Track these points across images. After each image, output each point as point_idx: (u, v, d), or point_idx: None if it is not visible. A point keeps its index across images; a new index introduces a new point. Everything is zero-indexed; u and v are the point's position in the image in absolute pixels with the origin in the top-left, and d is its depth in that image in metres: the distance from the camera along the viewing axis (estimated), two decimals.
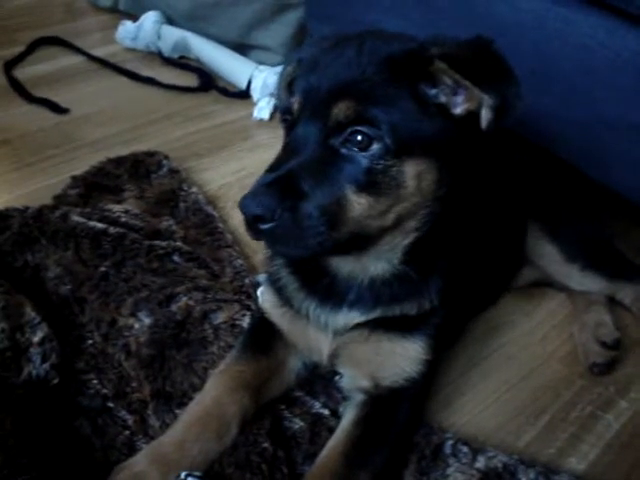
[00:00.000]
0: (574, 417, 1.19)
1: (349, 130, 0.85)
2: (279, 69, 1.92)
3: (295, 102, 0.89)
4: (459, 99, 0.87)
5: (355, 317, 1.03)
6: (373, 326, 1.03)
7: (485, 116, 0.84)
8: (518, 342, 1.32)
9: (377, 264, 0.99)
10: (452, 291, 1.04)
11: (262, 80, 1.92)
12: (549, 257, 1.33)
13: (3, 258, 1.29)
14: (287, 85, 1.00)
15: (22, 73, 2.02)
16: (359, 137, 0.85)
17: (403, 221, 0.93)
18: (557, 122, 1.24)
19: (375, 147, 0.85)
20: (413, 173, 0.87)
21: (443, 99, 0.88)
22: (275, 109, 1.93)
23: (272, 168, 0.86)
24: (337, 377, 1.16)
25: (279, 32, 1.98)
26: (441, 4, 1.37)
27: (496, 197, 1.23)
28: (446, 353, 1.22)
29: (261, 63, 2.02)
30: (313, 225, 0.84)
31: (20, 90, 1.93)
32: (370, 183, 0.86)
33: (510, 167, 1.31)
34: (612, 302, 1.38)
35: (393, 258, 0.98)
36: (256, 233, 0.85)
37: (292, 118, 0.90)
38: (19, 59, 2.08)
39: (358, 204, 0.86)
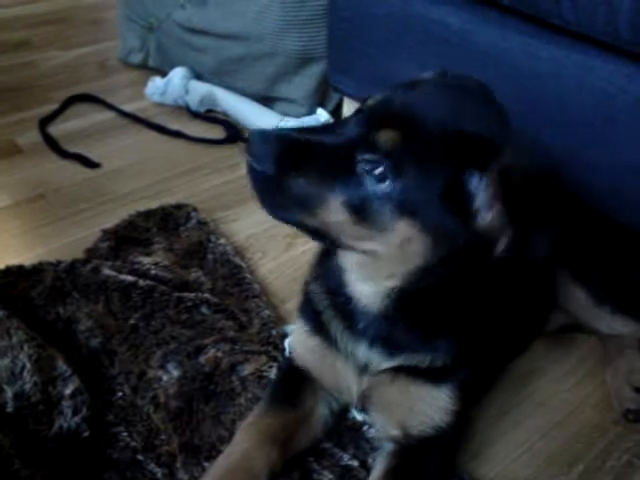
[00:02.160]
0: (610, 466, 1.16)
1: (377, 156, 0.83)
2: (304, 120, 1.98)
3: (370, 103, 0.90)
4: (492, 213, 0.83)
5: (375, 359, 1.03)
6: (398, 371, 1.02)
7: (500, 247, 0.82)
8: (549, 389, 1.30)
9: (375, 289, 0.97)
10: (478, 343, 1.03)
11: None
12: (579, 301, 1.31)
13: (36, 312, 1.32)
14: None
15: (56, 130, 2.09)
16: (380, 168, 0.83)
17: (381, 260, 0.90)
18: (579, 167, 1.25)
19: (387, 185, 0.83)
20: (403, 234, 0.85)
21: (478, 203, 0.83)
22: None
23: (299, 130, 0.88)
24: (366, 427, 1.15)
25: (303, 84, 2.02)
26: (458, 54, 1.39)
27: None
28: (478, 403, 1.21)
29: (286, 114, 2.06)
30: (289, 198, 0.85)
31: (54, 146, 1.99)
32: (359, 207, 0.84)
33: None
34: None
35: (391, 292, 0.95)
36: (249, 170, 0.86)
37: (344, 118, 0.92)
38: (53, 116, 2.15)
39: (335, 213, 0.85)
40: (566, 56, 1.22)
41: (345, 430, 1.16)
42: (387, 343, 1.02)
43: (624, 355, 1.32)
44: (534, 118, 1.30)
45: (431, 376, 1.02)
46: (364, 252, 0.90)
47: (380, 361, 1.03)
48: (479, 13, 1.35)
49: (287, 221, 0.90)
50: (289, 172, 0.84)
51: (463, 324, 1.02)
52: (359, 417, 1.17)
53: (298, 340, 1.14)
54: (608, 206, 1.28)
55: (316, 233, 0.90)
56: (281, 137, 0.85)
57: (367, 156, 0.84)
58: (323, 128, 0.92)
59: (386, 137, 0.83)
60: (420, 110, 0.85)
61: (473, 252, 0.86)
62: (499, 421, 1.23)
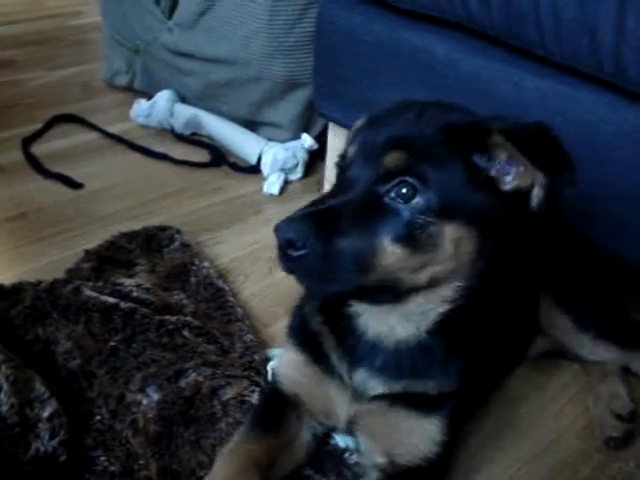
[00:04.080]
0: None
1: (397, 180, 0.85)
2: (289, 145, 1.99)
3: (351, 149, 0.92)
4: (511, 175, 0.88)
5: (376, 386, 1.02)
6: (392, 400, 1.01)
7: (537, 195, 0.85)
8: (532, 416, 1.30)
9: (405, 327, 0.97)
10: (473, 371, 1.03)
11: (272, 155, 1.97)
12: (562, 327, 1.32)
13: (14, 332, 1.29)
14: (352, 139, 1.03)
15: (39, 149, 2.08)
16: (404, 189, 0.85)
17: (437, 285, 0.91)
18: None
19: (418, 200, 0.85)
20: (452, 237, 0.86)
21: (494, 172, 0.88)
22: (285, 184, 1.98)
23: (315, 202, 0.87)
24: (347, 453, 1.14)
25: (288, 110, 2.03)
26: (444, 82, 1.41)
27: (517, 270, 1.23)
28: (462, 431, 1.20)
29: (271, 139, 2.06)
30: (342, 264, 0.84)
31: (36, 166, 1.98)
32: (407, 235, 0.85)
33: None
34: (627, 373, 1.36)
35: (422, 325, 0.96)
36: (286, 261, 0.85)
37: (344, 163, 0.93)
38: (36, 136, 2.14)
39: (391, 254, 0.85)
40: (550, 86, 1.24)
41: (327, 456, 1.14)
42: (390, 369, 1.01)
43: (606, 382, 1.33)
44: None
45: (424, 404, 1.01)
46: (426, 285, 0.91)
47: (378, 387, 1.02)
48: (465, 42, 1.38)
49: (346, 292, 0.91)
50: (331, 241, 0.83)
51: (474, 340, 1.02)
52: (341, 443, 1.16)
53: (287, 363, 1.13)
54: (590, 233, 1.29)
55: (379, 288, 0.89)
56: (305, 215, 0.85)
57: (387, 186, 0.86)
58: (334, 188, 0.92)
59: (393, 160, 0.86)
60: (408, 123, 0.90)
61: (515, 221, 0.91)
62: (483, 449, 1.22)
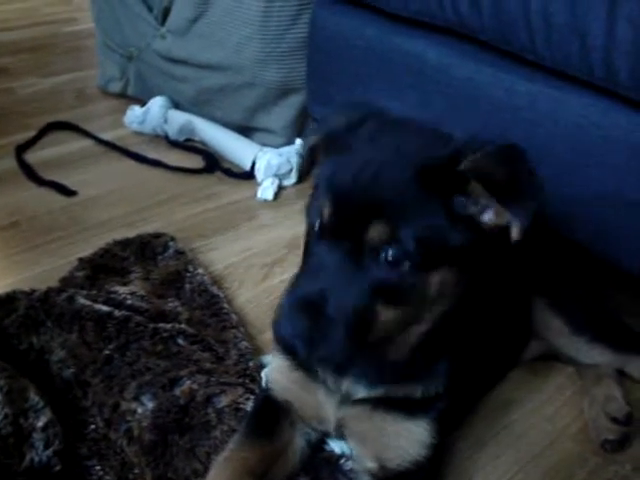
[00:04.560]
0: None
1: (381, 250, 0.85)
2: (282, 150, 1.99)
3: (325, 207, 0.88)
4: (488, 214, 0.88)
5: (359, 391, 1.02)
6: (376, 403, 1.02)
7: (515, 233, 0.84)
8: (527, 420, 1.29)
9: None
10: (459, 374, 1.03)
11: (266, 161, 1.96)
12: (555, 330, 1.32)
13: (8, 341, 1.29)
14: (310, 157, 1.02)
15: (32, 157, 2.07)
16: (390, 256, 0.84)
17: (421, 318, 0.94)
18: (554, 199, 1.26)
19: (405, 264, 0.85)
20: (437, 282, 0.88)
21: (474, 211, 0.88)
22: (279, 189, 1.98)
23: (300, 284, 0.88)
24: (343, 460, 1.14)
25: (282, 115, 2.04)
26: (436, 87, 1.41)
27: (504, 274, 1.23)
28: (454, 434, 1.20)
29: (265, 145, 2.06)
30: (342, 338, 0.84)
31: (30, 173, 1.97)
32: (398, 297, 0.87)
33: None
34: (622, 375, 1.36)
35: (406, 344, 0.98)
36: (300, 351, 0.87)
37: (321, 224, 0.89)
38: (30, 143, 2.14)
39: (385, 316, 0.88)
40: (541, 91, 1.25)
41: (322, 463, 1.14)
42: (373, 374, 1.01)
43: (601, 384, 1.32)
44: None
45: (409, 408, 1.02)
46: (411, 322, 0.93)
47: (362, 391, 1.02)
48: (456, 47, 1.38)
49: (354, 356, 0.91)
50: (330, 326, 0.84)
51: (457, 346, 1.03)
52: (337, 449, 1.16)
53: (276, 369, 1.13)
54: (580, 237, 1.30)
55: (374, 344, 0.91)
56: (296, 308, 0.85)
57: (371, 256, 0.86)
58: (313, 262, 0.90)
59: (377, 234, 0.84)
60: (381, 169, 0.86)
61: (496, 250, 0.91)
62: (477, 454, 1.22)
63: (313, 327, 0.84)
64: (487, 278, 1.00)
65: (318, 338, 0.84)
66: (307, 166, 1.02)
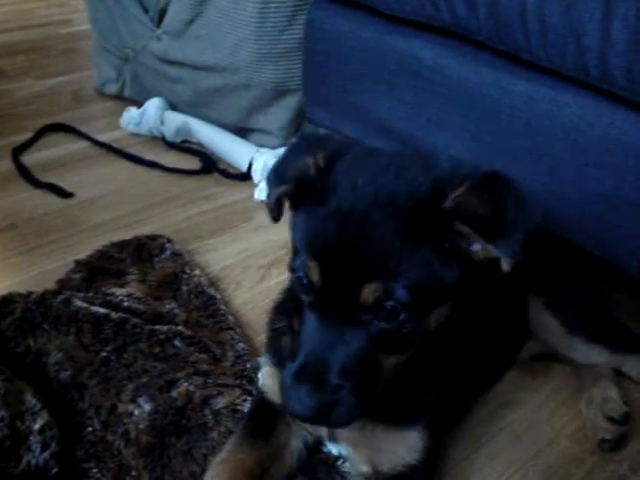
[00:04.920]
0: None
1: (377, 309, 0.84)
2: (279, 151, 1.99)
3: (313, 272, 0.85)
4: (477, 247, 0.86)
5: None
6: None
7: (505, 266, 0.83)
8: (524, 420, 1.29)
9: None
10: (453, 381, 1.03)
11: (263, 162, 1.96)
12: (552, 330, 1.32)
13: (5, 344, 1.29)
14: (278, 206, 0.95)
15: (29, 159, 2.07)
16: (386, 313, 0.84)
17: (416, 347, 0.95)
18: (551, 199, 1.27)
19: (402, 316, 0.84)
20: (435, 320, 0.90)
21: (463, 245, 0.86)
22: None
23: (299, 354, 0.87)
24: (340, 461, 1.14)
25: (278, 116, 2.04)
26: (432, 87, 1.41)
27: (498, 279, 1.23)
28: (449, 435, 1.20)
29: (261, 146, 2.06)
30: (352, 401, 0.85)
31: (26, 175, 1.97)
32: (398, 344, 0.88)
33: None
34: (619, 375, 1.36)
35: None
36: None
37: (313, 287, 0.86)
38: (27, 145, 2.14)
39: (388, 365, 0.89)
40: (537, 90, 1.25)
41: (319, 464, 1.14)
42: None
43: (598, 384, 1.32)
44: (505, 150, 1.32)
45: (401, 414, 1.02)
46: None
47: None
48: (452, 48, 1.38)
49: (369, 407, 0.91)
50: (337, 394, 0.85)
51: (450, 351, 1.03)
52: (334, 450, 1.15)
53: (267, 375, 1.13)
54: (578, 237, 1.30)
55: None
56: (305, 389, 0.84)
57: (367, 315, 0.85)
58: (310, 331, 0.88)
59: (372, 295, 0.83)
60: (364, 233, 0.83)
61: (485, 278, 0.92)
62: (475, 454, 1.22)
63: (320, 400, 0.83)
64: (481, 290, 1.01)
65: (328, 408, 0.84)
66: (277, 214, 0.95)
